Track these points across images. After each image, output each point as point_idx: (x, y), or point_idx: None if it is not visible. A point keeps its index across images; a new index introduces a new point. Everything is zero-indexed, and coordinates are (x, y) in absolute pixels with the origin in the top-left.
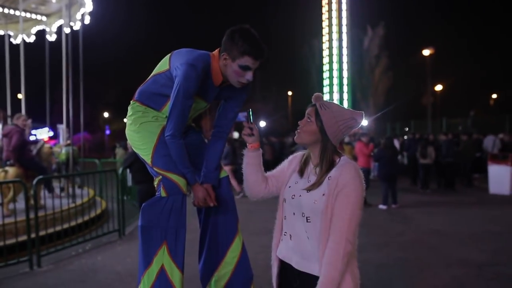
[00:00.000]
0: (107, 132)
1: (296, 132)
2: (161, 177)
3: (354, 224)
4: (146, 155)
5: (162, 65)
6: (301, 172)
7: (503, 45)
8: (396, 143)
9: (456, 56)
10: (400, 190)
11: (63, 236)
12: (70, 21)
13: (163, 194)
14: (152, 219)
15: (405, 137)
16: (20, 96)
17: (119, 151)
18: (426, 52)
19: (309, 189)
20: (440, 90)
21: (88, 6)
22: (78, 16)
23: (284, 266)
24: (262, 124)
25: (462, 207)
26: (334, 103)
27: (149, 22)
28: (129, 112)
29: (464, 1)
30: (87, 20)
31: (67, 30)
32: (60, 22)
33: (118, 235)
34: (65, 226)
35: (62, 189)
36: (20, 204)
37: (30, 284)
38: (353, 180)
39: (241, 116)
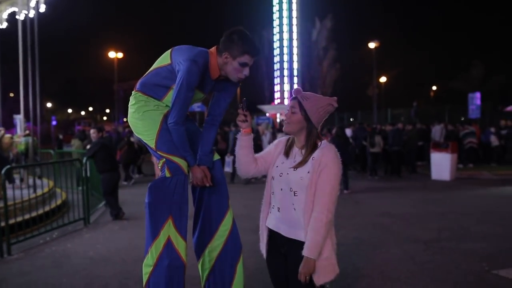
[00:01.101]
0: (54, 122)
1: (284, 123)
2: (164, 159)
3: (334, 196)
4: (150, 140)
5: (163, 60)
6: (287, 154)
7: (444, 39)
8: (349, 132)
9: (400, 49)
10: (351, 177)
11: (29, 226)
12: (23, 9)
13: (167, 174)
14: (158, 196)
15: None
16: None
17: (75, 142)
18: (371, 45)
19: (296, 167)
20: (385, 82)
21: None
22: (32, 3)
23: (273, 235)
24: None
25: (408, 191)
26: (312, 94)
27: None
28: (132, 101)
29: None
30: (42, 8)
31: (21, 17)
32: (12, 9)
33: (83, 223)
34: (30, 215)
35: (22, 180)
36: None
37: (4, 270)
38: (333, 160)
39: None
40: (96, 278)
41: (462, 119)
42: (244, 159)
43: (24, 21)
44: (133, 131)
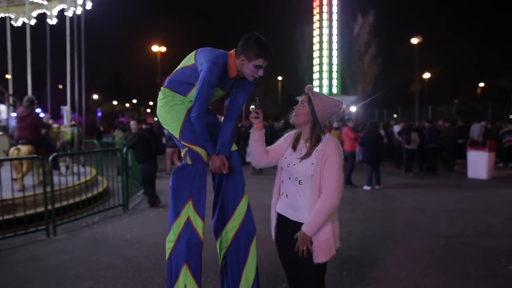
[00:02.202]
0: (99, 114)
1: (292, 115)
2: (187, 149)
3: (339, 183)
4: (175, 131)
5: (188, 60)
6: (294, 147)
7: (490, 35)
8: (397, 129)
9: (444, 44)
10: (384, 173)
11: (73, 210)
12: (71, 6)
13: (189, 162)
14: (181, 180)
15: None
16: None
17: (118, 133)
18: (414, 40)
19: (301, 158)
20: (428, 78)
21: None
22: (80, 1)
23: (281, 218)
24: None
25: (440, 189)
26: (322, 93)
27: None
28: (160, 96)
29: None
30: (88, 6)
31: (69, 14)
32: (61, 6)
33: (122, 209)
34: (74, 200)
35: (67, 167)
36: (28, 180)
37: (50, 248)
38: (335, 151)
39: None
40: (131, 258)
41: (511, 116)
42: (257, 151)
43: (72, 17)
44: (161, 123)
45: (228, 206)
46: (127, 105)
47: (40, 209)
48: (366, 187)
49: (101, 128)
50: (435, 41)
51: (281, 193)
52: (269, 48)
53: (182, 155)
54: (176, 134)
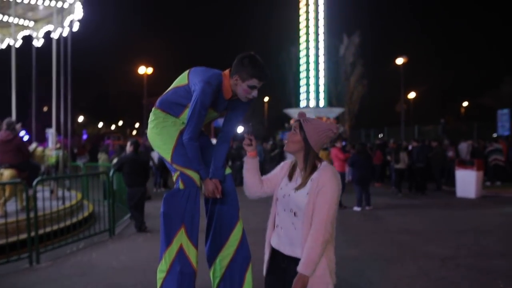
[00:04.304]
0: (84, 136)
1: (285, 142)
2: (179, 172)
3: (331, 216)
4: (166, 154)
5: (181, 80)
6: (290, 176)
7: (474, 54)
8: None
9: (429, 65)
10: (373, 194)
11: (56, 236)
12: (58, 27)
13: (181, 186)
14: (172, 206)
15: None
16: None
17: (101, 156)
18: (399, 61)
19: (296, 188)
20: (413, 98)
21: (78, 13)
22: (67, 22)
23: (275, 252)
24: (240, 129)
25: (431, 209)
26: (315, 119)
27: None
28: (151, 117)
29: (437, 12)
30: (75, 27)
31: (56, 35)
32: (47, 27)
33: (108, 235)
34: (58, 226)
35: (52, 192)
36: (11, 205)
37: (33, 278)
38: (330, 180)
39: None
40: (117, 287)
41: (495, 135)
42: (250, 180)
43: (58, 39)
44: (152, 145)
45: (222, 232)
46: (113, 127)
47: (23, 236)
48: (356, 208)
49: (75, 150)
50: (420, 61)
51: (276, 226)
52: (265, 68)
53: (174, 179)
54: (167, 157)
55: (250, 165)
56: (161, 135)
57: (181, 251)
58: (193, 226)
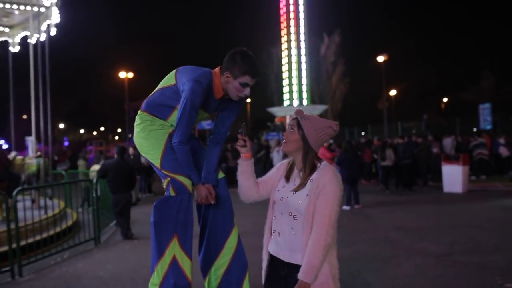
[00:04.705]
0: (66, 143)
1: (282, 142)
2: (169, 178)
3: (333, 219)
4: (155, 159)
5: (168, 80)
6: (287, 177)
7: (453, 50)
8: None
9: (409, 62)
10: (361, 191)
11: (40, 247)
12: (35, 33)
13: (172, 193)
14: (164, 215)
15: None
16: None
17: (80, 162)
18: (380, 59)
19: (295, 190)
20: (395, 95)
21: (55, 18)
22: (44, 27)
23: (274, 259)
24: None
25: (420, 205)
26: (313, 115)
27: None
28: (137, 121)
29: (416, 9)
30: (53, 32)
31: (33, 41)
32: (24, 33)
33: (94, 244)
34: (41, 236)
35: (33, 201)
36: None
37: None
38: (331, 181)
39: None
40: None
41: (475, 130)
42: (245, 184)
43: (35, 45)
44: (139, 150)
45: (216, 240)
46: (95, 133)
47: (4, 248)
48: (345, 207)
49: (56, 158)
50: (400, 59)
51: (273, 231)
52: (257, 65)
53: (164, 186)
54: (156, 162)
55: (245, 167)
56: (148, 139)
57: (174, 263)
58: (186, 236)
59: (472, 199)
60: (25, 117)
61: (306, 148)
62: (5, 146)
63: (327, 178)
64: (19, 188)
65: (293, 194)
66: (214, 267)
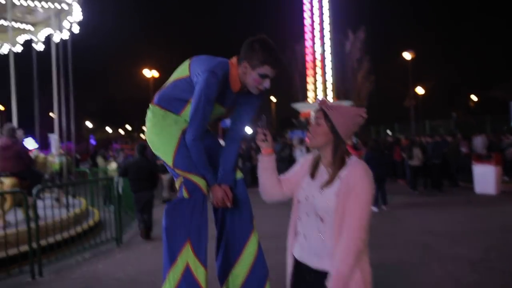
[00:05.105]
0: (92, 142)
1: (307, 137)
2: (182, 178)
3: (365, 222)
4: (167, 157)
5: (182, 71)
6: (313, 174)
7: (481, 48)
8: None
9: (436, 59)
10: (388, 192)
11: (62, 246)
12: (58, 30)
13: (185, 195)
14: (176, 219)
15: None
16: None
17: (99, 160)
18: (407, 56)
19: (323, 187)
20: (422, 93)
21: (77, 15)
22: (66, 25)
23: (299, 264)
24: (249, 131)
25: (451, 207)
26: (338, 104)
27: (134, 32)
28: (149, 116)
29: (444, 5)
30: (75, 29)
31: (56, 39)
32: (47, 31)
33: (116, 244)
34: (63, 236)
35: (57, 199)
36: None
37: None
38: (362, 180)
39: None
40: None
41: (505, 128)
42: (267, 182)
43: (59, 43)
44: (151, 147)
45: (234, 246)
46: (121, 131)
47: (24, 247)
48: (373, 208)
49: (78, 156)
50: (427, 56)
51: (298, 233)
52: (278, 54)
53: (177, 186)
54: (168, 160)
55: (266, 163)
56: (160, 135)
57: (187, 271)
58: (200, 242)
59: (506, 201)
60: (52, 115)
61: (337, 140)
62: (34, 144)
63: (358, 176)
64: (39, 187)
65: (320, 193)
66: (231, 276)
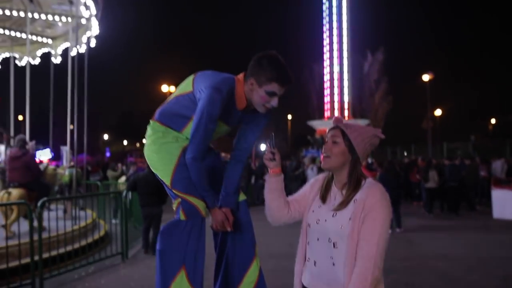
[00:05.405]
0: (107, 154)
1: (323, 157)
2: (180, 199)
3: (381, 248)
4: (165, 177)
5: (186, 86)
6: (324, 197)
7: (500, 71)
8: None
9: (454, 82)
10: (403, 214)
11: (66, 259)
12: (76, 44)
13: (182, 217)
14: (171, 243)
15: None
16: (20, 117)
17: (110, 173)
18: (425, 77)
19: (336, 210)
20: (439, 115)
21: (94, 30)
22: (84, 39)
23: None
24: (263, 147)
25: (467, 231)
26: (355, 123)
27: (149, 47)
28: (149, 132)
29: (462, 28)
30: (93, 43)
31: (73, 53)
32: (66, 45)
33: (121, 258)
34: (68, 248)
35: (65, 211)
36: (22, 226)
37: None
38: (380, 203)
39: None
40: None
41: None
42: (274, 204)
43: (74, 56)
44: (149, 165)
45: (234, 273)
46: (138, 145)
47: (26, 260)
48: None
49: (89, 168)
50: (446, 78)
51: (307, 259)
52: (288, 71)
53: (174, 208)
54: (166, 180)
55: (274, 184)
56: (159, 153)
57: None
58: (196, 268)
59: None
60: (71, 127)
61: (354, 161)
62: (49, 155)
63: (375, 199)
64: (44, 199)
65: (333, 216)
66: None
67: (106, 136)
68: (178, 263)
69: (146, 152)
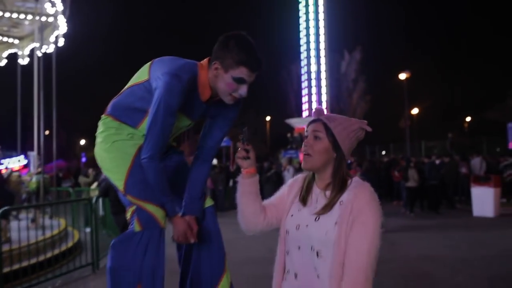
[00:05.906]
0: (83, 159)
1: (303, 156)
2: (135, 207)
3: (373, 257)
4: (118, 180)
5: (141, 75)
6: (304, 199)
7: (476, 69)
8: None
9: (431, 80)
10: (383, 214)
11: (31, 272)
12: (43, 44)
13: (137, 228)
14: (124, 259)
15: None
16: None
17: (81, 179)
18: (402, 76)
19: (319, 213)
20: (416, 114)
21: (62, 28)
22: (52, 38)
23: None
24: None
25: (449, 230)
26: (338, 115)
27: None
28: (100, 128)
29: (438, 26)
30: (60, 43)
31: (39, 53)
32: (34, 45)
33: (91, 269)
34: (33, 261)
35: (33, 220)
36: None
37: None
38: (370, 205)
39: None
40: None
41: (498, 149)
42: (248, 209)
43: (42, 56)
44: (100, 167)
45: None
46: None
47: None
48: None
49: (60, 174)
50: (422, 77)
51: (286, 271)
52: (258, 54)
53: (128, 217)
54: (119, 184)
55: (248, 186)
56: (111, 152)
57: None
58: (155, 287)
59: (506, 224)
60: (47, 132)
61: (339, 158)
62: (24, 161)
63: (364, 201)
64: (5, 208)
65: (316, 220)
66: None
67: (83, 142)
68: (133, 282)
69: (96, 151)
